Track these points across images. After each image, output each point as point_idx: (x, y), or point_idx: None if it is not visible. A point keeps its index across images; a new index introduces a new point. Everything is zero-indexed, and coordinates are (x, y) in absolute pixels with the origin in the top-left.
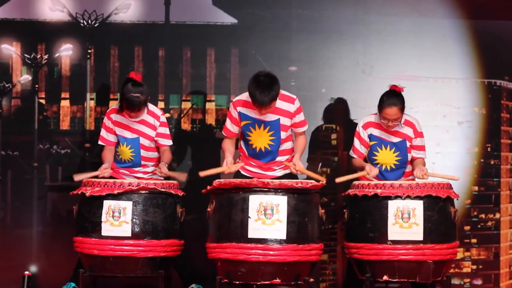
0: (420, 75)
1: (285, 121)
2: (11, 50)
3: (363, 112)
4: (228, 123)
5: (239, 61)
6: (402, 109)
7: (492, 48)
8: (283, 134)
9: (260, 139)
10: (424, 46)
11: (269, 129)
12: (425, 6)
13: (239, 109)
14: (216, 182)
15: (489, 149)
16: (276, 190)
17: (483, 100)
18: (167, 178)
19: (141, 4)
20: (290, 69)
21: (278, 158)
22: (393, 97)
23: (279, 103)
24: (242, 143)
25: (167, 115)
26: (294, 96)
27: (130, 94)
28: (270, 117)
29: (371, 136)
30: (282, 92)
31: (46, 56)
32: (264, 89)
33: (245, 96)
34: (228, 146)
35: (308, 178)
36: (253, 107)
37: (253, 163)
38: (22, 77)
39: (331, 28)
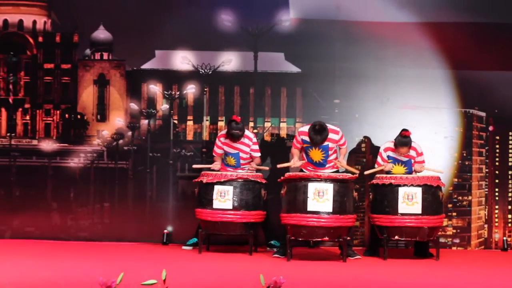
0: (420, 105)
1: (331, 145)
2: (156, 88)
3: (381, 130)
4: (295, 142)
5: (302, 96)
6: (409, 147)
7: (467, 88)
8: (330, 152)
9: (316, 156)
10: (423, 86)
11: (322, 150)
12: (423, 60)
13: (302, 137)
14: (287, 174)
15: (464, 154)
16: (326, 180)
17: (461, 122)
18: (257, 171)
19: (239, 59)
20: (335, 101)
21: (327, 165)
22: (404, 140)
23: (329, 134)
24: (304, 154)
25: (255, 131)
26: (338, 129)
27: (232, 131)
28: None
29: (388, 157)
30: (330, 127)
31: (178, 93)
32: (318, 135)
33: (306, 128)
34: (295, 152)
35: (347, 171)
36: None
37: (310, 167)
38: (163, 106)
39: (361, 74)
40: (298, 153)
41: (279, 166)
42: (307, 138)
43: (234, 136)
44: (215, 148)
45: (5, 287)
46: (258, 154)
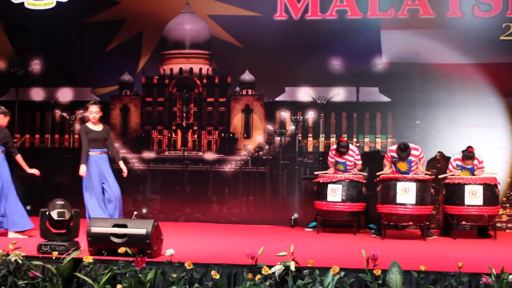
0: (480, 124)
1: (414, 159)
2: (285, 114)
3: (451, 143)
4: (386, 156)
5: (392, 119)
6: (473, 159)
7: None
8: (412, 164)
9: (402, 167)
10: (482, 110)
11: (406, 162)
12: (482, 91)
13: (391, 153)
14: (381, 176)
15: None
16: (410, 180)
17: None
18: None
19: (345, 92)
20: (416, 122)
21: (410, 174)
22: (469, 155)
23: (411, 151)
24: (393, 165)
25: (358, 144)
26: (418, 147)
27: (340, 148)
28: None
29: (457, 165)
30: (412, 145)
31: (301, 117)
32: (403, 152)
33: (394, 147)
34: (387, 163)
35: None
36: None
37: (398, 175)
38: (290, 127)
39: (435, 102)
40: (389, 164)
41: (377, 173)
42: (395, 154)
43: (341, 152)
44: (329, 158)
45: (181, 255)
46: (360, 163)
